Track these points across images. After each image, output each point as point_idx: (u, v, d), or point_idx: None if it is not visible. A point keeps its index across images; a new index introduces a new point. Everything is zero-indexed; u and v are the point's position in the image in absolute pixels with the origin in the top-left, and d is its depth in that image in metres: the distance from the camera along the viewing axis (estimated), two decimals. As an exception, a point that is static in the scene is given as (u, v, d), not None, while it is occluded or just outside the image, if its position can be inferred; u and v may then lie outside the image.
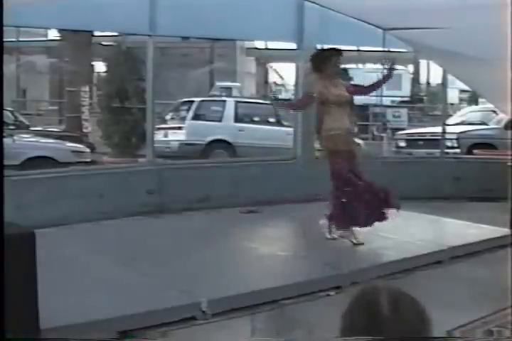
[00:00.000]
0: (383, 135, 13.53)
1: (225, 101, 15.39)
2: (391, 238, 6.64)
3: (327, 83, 6.22)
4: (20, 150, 9.62)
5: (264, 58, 33.03)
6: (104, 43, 19.23)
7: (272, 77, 35.98)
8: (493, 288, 4.71)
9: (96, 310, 4.21)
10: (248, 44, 27.98)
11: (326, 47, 6.63)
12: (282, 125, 13.94)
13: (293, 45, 9.18)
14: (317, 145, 10.60)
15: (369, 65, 24.61)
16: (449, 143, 11.78)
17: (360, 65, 25.19)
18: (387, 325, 1.39)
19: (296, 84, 9.20)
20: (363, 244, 6.21)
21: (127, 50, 11.24)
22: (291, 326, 4.52)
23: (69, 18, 7.31)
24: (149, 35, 7.76)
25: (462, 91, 24.30)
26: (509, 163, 7.03)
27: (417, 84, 30.02)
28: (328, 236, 6.32)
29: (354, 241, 6.23)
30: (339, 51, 6.34)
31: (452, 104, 21.63)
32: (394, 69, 6.67)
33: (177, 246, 6.06)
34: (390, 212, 6.25)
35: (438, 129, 10.81)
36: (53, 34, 21.03)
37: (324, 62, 6.20)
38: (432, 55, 10.29)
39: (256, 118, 14.79)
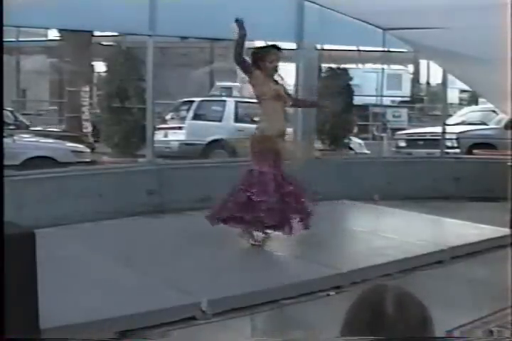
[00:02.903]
0: (383, 135, 13.51)
1: (225, 101, 15.38)
2: (391, 238, 6.65)
3: (266, 79, 6.11)
4: (20, 150, 9.60)
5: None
6: (104, 43, 19.23)
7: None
8: (493, 288, 4.71)
9: (96, 310, 4.21)
10: (248, 44, 27.96)
11: (268, 43, 6.58)
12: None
13: (293, 45, 9.18)
14: (316, 145, 10.68)
15: (369, 65, 24.60)
16: (449, 143, 11.79)
17: (360, 65, 25.18)
18: (390, 324, 1.39)
19: (297, 84, 9.20)
20: (260, 245, 6.11)
21: (127, 50, 11.20)
22: (291, 326, 4.52)
23: (69, 18, 7.31)
24: (149, 35, 7.77)
25: (462, 91, 24.28)
26: (509, 163, 7.03)
27: (417, 84, 30.00)
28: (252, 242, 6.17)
29: (252, 241, 6.12)
30: (277, 48, 6.22)
31: (452, 104, 21.62)
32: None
33: (177, 246, 6.06)
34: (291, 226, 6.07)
35: (438, 129, 10.82)
36: (53, 34, 21.01)
37: (262, 59, 6.11)
38: (431, 55, 10.30)
39: (256, 119, 14.77)
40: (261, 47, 6.42)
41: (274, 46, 6.31)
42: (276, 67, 6.20)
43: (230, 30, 6.01)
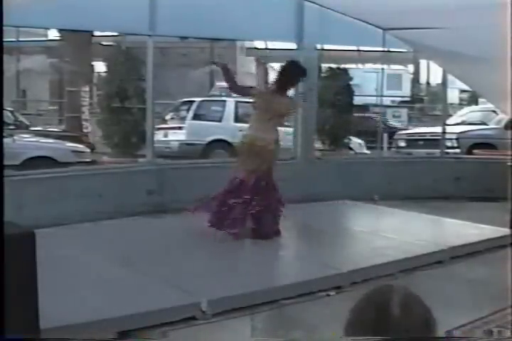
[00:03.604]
0: (383, 135, 13.51)
1: (225, 101, 15.37)
2: (391, 238, 6.65)
3: (273, 93, 6.22)
4: (20, 150, 9.59)
5: (264, 58, 32.99)
6: (104, 43, 19.22)
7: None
8: (493, 288, 4.71)
9: (96, 310, 4.21)
10: (248, 44, 27.96)
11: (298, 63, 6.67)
12: (282, 125, 13.90)
13: (293, 45, 9.17)
14: (318, 145, 10.68)
15: (369, 65, 24.59)
16: (449, 143, 11.78)
17: (360, 65, 25.17)
18: (393, 325, 1.39)
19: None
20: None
21: (127, 50, 11.20)
22: (291, 326, 4.52)
23: (69, 18, 7.31)
24: (149, 35, 7.77)
25: (462, 91, 24.27)
26: (509, 163, 7.03)
27: (417, 84, 29.98)
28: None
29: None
30: (305, 73, 6.39)
31: (452, 104, 21.61)
32: None
33: (177, 246, 6.06)
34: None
35: (438, 129, 10.82)
36: (53, 34, 21.01)
37: (288, 77, 6.22)
38: (431, 55, 10.30)
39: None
40: (294, 67, 6.44)
41: (303, 70, 6.41)
42: (292, 85, 6.31)
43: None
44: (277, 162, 6.58)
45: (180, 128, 14.07)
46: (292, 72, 6.31)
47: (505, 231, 6.49)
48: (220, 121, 14.46)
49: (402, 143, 14.25)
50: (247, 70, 29.65)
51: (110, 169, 8.99)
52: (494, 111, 13.42)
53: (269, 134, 6.31)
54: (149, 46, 7.86)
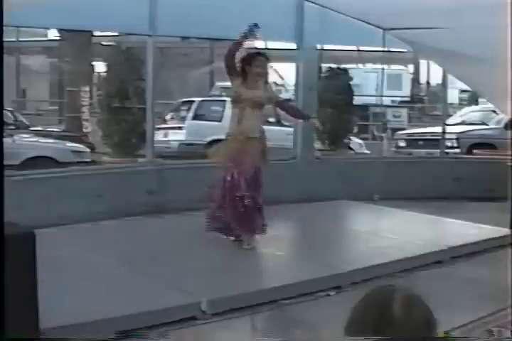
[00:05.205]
0: (383, 135, 13.51)
1: (225, 101, 15.36)
2: (391, 238, 6.65)
3: (247, 84, 6.19)
4: (20, 150, 9.60)
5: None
6: (104, 43, 19.22)
7: (272, 77, 35.94)
8: (493, 288, 4.71)
9: (96, 310, 4.21)
10: (248, 44, 27.96)
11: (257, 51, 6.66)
12: (282, 125, 13.92)
13: (293, 45, 9.17)
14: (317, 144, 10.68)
15: (369, 65, 24.58)
16: (449, 143, 11.78)
17: (360, 65, 25.17)
18: (394, 325, 1.39)
19: (297, 84, 9.20)
20: (250, 249, 6.07)
21: (127, 50, 11.20)
22: (291, 326, 4.52)
23: (69, 18, 7.31)
24: (149, 35, 7.77)
25: (462, 91, 24.28)
26: (509, 163, 7.03)
27: (417, 84, 29.98)
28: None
29: (245, 246, 6.08)
30: (264, 56, 6.35)
31: (452, 104, 21.60)
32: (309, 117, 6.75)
33: (177, 246, 6.06)
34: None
35: (438, 129, 10.82)
36: (53, 34, 21.01)
37: (249, 64, 6.20)
38: (431, 55, 10.29)
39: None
40: (249, 54, 6.50)
41: (261, 53, 6.41)
42: (261, 72, 6.27)
43: (239, 30, 6.12)
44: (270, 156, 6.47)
45: (180, 128, 14.07)
46: (254, 60, 6.29)
47: (505, 231, 6.49)
48: (220, 121, 14.44)
49: (402, 143, 14.25)
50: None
51: (110, 169, 8.98)
52: (494, 111, 13.42)
53: (257, 126, 6.30)
54: (149, 46, 7.86)
